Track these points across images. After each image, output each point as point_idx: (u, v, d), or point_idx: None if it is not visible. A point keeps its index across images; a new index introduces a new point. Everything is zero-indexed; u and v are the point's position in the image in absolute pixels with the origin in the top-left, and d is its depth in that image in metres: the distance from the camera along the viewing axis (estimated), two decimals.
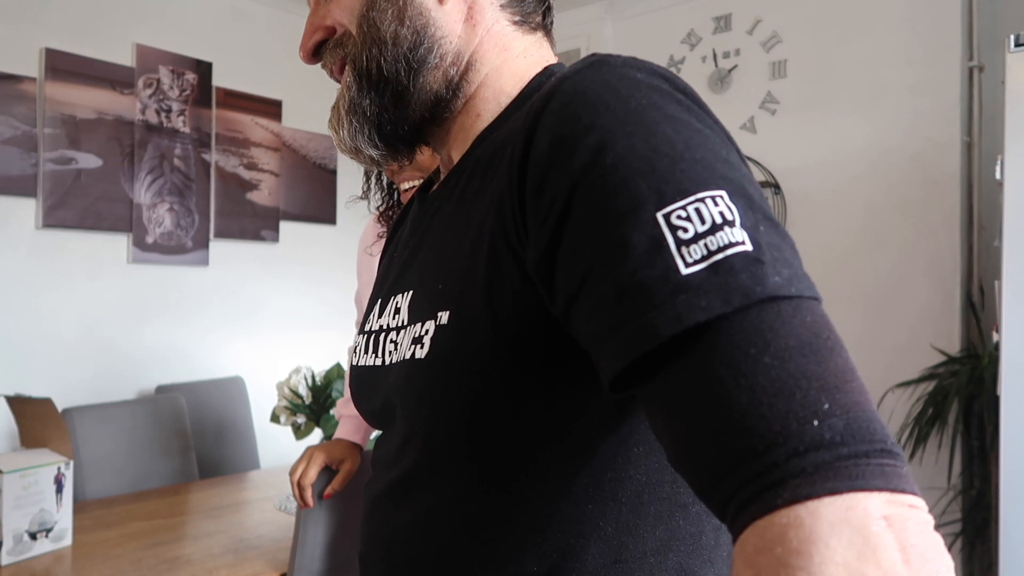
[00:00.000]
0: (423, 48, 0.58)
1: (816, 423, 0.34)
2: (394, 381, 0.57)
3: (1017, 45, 1.86)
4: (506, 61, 0.60)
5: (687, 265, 0.38)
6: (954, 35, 2.54)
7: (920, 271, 2.58)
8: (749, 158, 2.96)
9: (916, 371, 2.53)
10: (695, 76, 3.15)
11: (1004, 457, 1.85)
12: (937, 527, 0.34)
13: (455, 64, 0.59)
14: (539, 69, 0.61)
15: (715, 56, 3.09)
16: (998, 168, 1.94)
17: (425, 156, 1.24)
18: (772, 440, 0.34)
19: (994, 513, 2.02)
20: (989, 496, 2.26)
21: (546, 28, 0.64)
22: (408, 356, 0.55)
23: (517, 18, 0.61)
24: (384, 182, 1.49)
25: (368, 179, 1.49)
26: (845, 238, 2.75)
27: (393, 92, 0.59)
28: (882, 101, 2.67)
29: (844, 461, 0.33)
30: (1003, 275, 1.87)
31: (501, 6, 0.60)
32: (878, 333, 2.64)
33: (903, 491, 0.34)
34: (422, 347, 0.53)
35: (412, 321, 0.57)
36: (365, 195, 1.50)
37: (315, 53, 0.65)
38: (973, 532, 2.35)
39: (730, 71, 3.05)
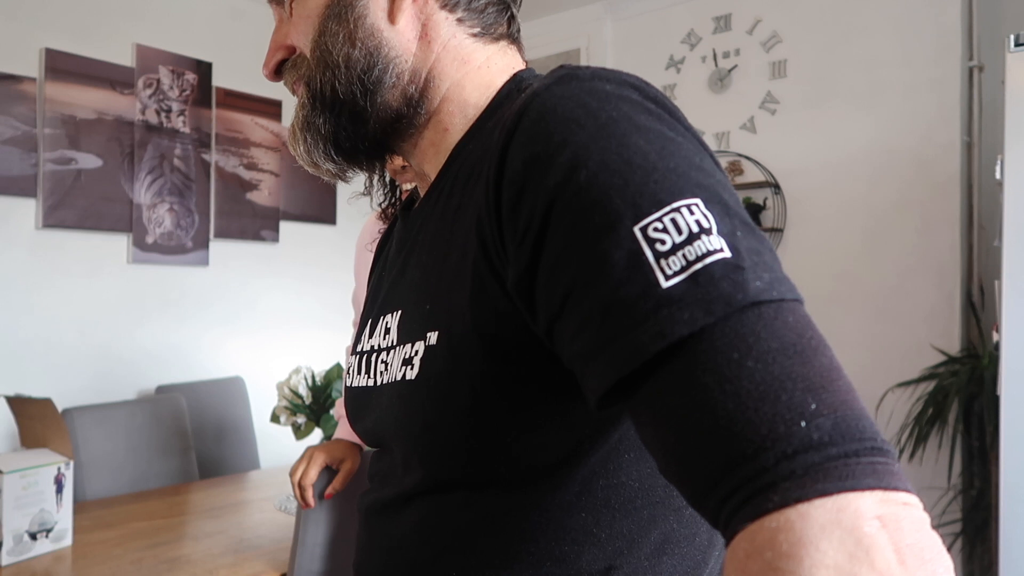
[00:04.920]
0: (377, 69, 0.58)
1: (803, 424, 0.34)
2: (387, 402, 0.58)
3: (1017, 45, 1.86)
4: (467, 74, 0.60)
5: (667, 278, 0.38)
6: (954, 35, 2.54)
7: (920, 271, 2.58)
8: (749, 158, 2.96)
9: (916, 371, 2.53)
10: (695, 76, 3.15)
11: (1004, 457, 1.85)
12: (937, 527, 0.34)
13: (413, 82, 0.59)
14: (506, 77, 0.60)
15: (715, 56, 3.09)
16: (998, 168, 1.94)
17: None
18: (760, 444, 0.34)
19: (994, 513, 2.02)
20: (989, 496, 2.26)
21: (511, 36, 0.63)
22: (399, 377, 0.55)
23: (477, 30, 0.60)
24: (386, 179, 1.48)
25: (371, 176, 1.48)
26: (845, 238, 2.75)
27: (350, 113, 0.59)
28: (882, 101, 2.67)
29: (833, 461, 0.33)
30: (1003, 275, 1.87)
31: (458, 20, 0.59)
32: (878, 333, 2.64)
33: (896, 489, 0.33)
34: (412, 368, 0.53)
35: (401, 341, 0.57)
36: (367, 191, 1.50)
37: (277, 71, 0.64)
38: (973, 532, 2.35)
39: (730, 71, 3.05)
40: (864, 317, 2.67)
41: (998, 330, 1.94)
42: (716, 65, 3.09)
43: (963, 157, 2.54)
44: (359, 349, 0.67)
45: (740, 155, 2.99)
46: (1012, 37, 1.88)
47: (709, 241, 0.39)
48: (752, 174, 2.95)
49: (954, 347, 2.50)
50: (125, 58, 2.84)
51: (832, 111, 2.78)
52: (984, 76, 2.56)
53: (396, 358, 0.57)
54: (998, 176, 1.94)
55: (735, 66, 3.04)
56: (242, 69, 3.18)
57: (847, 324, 2.66)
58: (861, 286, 2.69)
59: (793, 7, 2.89)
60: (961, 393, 2.34)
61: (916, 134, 2.60)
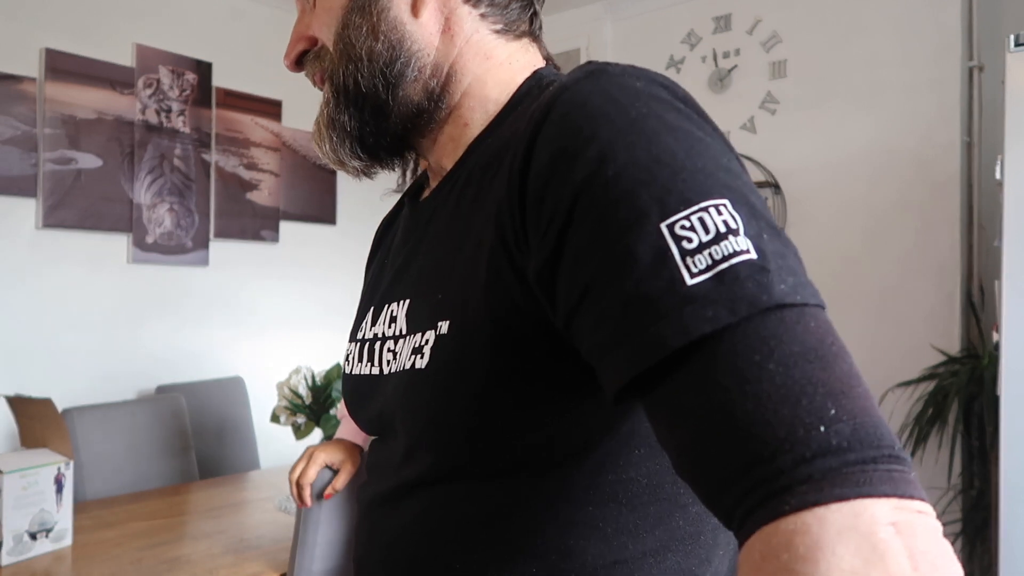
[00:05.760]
0: (400, 63, 0.58)
1: (823, 429, 0.34)
2: (393, 391, 0.57)
3: (1017, 45, 1.86)
4: (489, 70, 0.60)
5: (692, 275, 0.38)
6: (954, 35, 2.54)
7: (920, 271, 2.58)
8: (749, 158, 2.96)
9: (916, 371, 2.53)
10: (695, 76, 3.15)
11: (1004, 457, 1.85)
12: None
13: (435, 76, 0.59)
14: (527, 74, 0.61)
15: (715, 56, 3.09)
16: (998, 168, 1.95)
17: None
18: (778, 447, 0.34)
19: (994, 513, 2.02)
20: (989, 496, 2.26)
21: (533, 34, 0.64)
22: (408, 366, 0.55)
23: (499, 26, 0.60)
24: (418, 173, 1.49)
25: (404, 172, 1.49)
26: (845, 238, 2.75)
27: (372, 107, 0.59)
28: (882, 101, 2.67)
29: (851, 467, 0.33)
30: (1003, 275, 1.87)
31: (481, 16, 0.59)
32: (878, 333, 2.64)
33: (911, 497, 0.33)
34: (422, 357, 0.53)
35: (411, 331, 0.57)
36: (399, 188, 1.50)
37: (298, 62, 0.65)
38: (973, 532, 2.35)
39: (730, 71, 3.05)
40: (864, 317, 2.67)
41: (998, 330, 1.94)
42: (716, 65, 3.09)
43: (963, 157, 2.54)
44: (359, 337, 0.66)
45: (740, 155, 2.98)
46: (1012, 37, 1.88)
47: (736, 242, 0.39)
48: (752, 174, 2.95)
49: (954, 347, 2.50)
50: (125, 58, 2.84)
51: (832, 111, 2.78)
52: (984, 76, 2.56)
53: (405, 347, 0.56)
54: (998, 176, 1.94)
55: (735, 66, 3.04)
56: (242, 69, 3.18)
57: (847, 324, 2.66)
58: (861, 286, 2.69)
59: (793, 7, 2.89)
60: (961, 393, 2.34)
61: (916, 134, 2.60)
